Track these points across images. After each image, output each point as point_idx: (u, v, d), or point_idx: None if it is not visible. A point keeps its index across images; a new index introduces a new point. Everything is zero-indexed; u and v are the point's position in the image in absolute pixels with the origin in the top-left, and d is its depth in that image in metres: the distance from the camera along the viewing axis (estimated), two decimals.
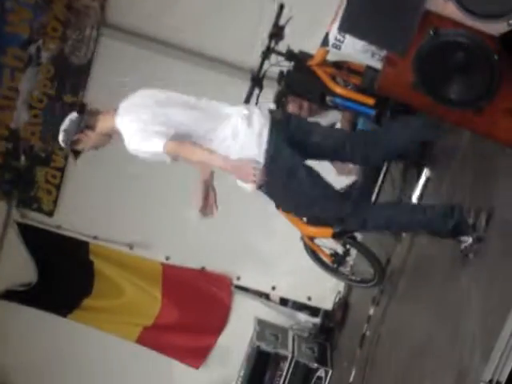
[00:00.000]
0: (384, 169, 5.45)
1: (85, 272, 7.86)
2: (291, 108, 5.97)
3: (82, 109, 4.33)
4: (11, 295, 7.85)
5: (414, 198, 5.40)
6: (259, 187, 4.29)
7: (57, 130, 4.34)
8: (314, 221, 5.30)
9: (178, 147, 4.14)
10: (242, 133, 4.25)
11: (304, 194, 4.36)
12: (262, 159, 4.22)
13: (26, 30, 7.06)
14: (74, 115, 4.30)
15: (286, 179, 4.28)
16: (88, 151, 4.55)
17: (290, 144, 4.30)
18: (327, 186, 4.44)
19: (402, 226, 4.78)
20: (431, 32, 3.42)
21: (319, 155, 4.58)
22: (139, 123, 4.18)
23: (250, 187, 4.29)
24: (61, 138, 4.35)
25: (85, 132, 4.32)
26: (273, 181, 4.26)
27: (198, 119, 4.27)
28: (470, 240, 4.18)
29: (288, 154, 4.27)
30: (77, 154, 4.57)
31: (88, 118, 4.32)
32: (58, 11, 7.00)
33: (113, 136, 4.41)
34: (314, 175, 4.38)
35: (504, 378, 3.39)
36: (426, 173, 5.39)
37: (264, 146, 4.22)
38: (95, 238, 7.69)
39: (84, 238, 7.70)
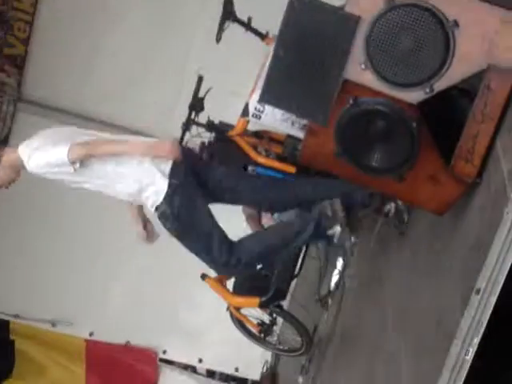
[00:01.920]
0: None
1: (5, 352, 7.64)
2: None
3: None
4: None
5: (339, 265, 5.41)
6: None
7: None
8: (241, 290, 5.27)
9: (88, 147, 4.16)
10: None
11: (196, 227, 4.38)
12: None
13: None
14: None
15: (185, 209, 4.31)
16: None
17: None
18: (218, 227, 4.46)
19: (274, 250, 4.71)
20: (351, 101, 3.47)
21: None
22: (39, 142, 4.22)
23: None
24: None
25: None
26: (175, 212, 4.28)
27: None
28: (337, 228, 4.25)
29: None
30: None
31: None
32: None
33: (19, 169, 4.37)
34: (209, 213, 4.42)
35: None
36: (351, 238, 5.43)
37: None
38: (16, 316, 7.51)
39: (4, 317, 7.51)
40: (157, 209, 4.30)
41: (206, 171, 4.51)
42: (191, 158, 4.52)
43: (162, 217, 4.33)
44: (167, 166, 4.25)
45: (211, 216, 4.43)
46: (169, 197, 4.25)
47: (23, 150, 4.26)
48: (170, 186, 4.24)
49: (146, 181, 4.25)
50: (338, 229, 4.28)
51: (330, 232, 4.31)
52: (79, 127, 6.79)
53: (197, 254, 4.53)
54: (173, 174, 4.25)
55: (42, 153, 4.17)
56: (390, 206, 4.37)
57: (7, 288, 7.41)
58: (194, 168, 4.41)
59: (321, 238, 4.47)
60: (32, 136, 4.36)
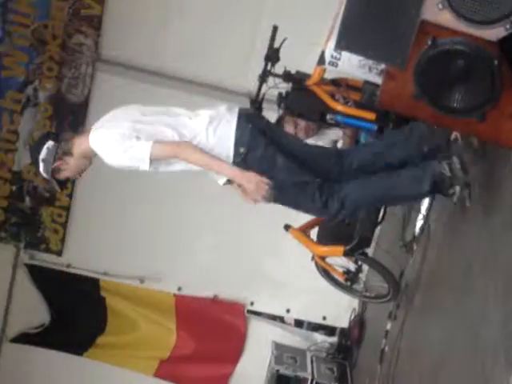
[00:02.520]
0: None
1: (97, 309, 7.83)
2: (287, 128, 5.98)
3: (56, 136, 4.33)
4: (25, 338, 7.82)
5: (423, 210, 5.37)
6: None
7: (36, 159, 4.32)
8: (325, 240, 5.29)
9: (172, 148, 4.18)
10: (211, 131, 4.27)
11: (284, 181, 4.34)
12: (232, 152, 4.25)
13: (22, 73, 7.09)
14: (50, 143, 4.27)
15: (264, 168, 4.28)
16: (72, 178, 4.58)
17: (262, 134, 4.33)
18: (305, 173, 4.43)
19: (377, 200, 4.72)
20: (429, 42, 3.42)
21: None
22: (114, 135, 4.20)
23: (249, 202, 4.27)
24: (41, 168, 4.33)
25: (63, 159, 4.31)
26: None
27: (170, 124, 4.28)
28: (457, 189, 4.18)
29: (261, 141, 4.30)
30: (61, 183, 4.56)
31: (64, 144, 4.30)
32: (53, 51, 7.03)
33: (92, 158, 4.40)
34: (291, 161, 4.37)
35: None
36: None
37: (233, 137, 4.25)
38: (105, 273, 7.66)
39: (94, 275, 7.68)
40: None
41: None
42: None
43: None
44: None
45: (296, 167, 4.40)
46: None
47: (93, 138, 4.27)
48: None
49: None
50: (458, 189, 4.21)
51: (450, 191, 4.23)
52: (157, 85, 6.92)
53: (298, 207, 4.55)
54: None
55: (122, 149, 4.16)
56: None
57: (96, 247, 7.58)
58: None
59: (434, 194, 4.40)
60: (100, 118, 4.41)
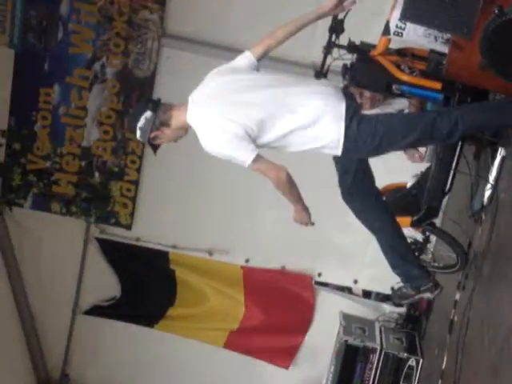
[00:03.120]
0: (457, 153, 5.37)
1: (167, 281, 7.95)
2: None
3: (155, 106, 4.32)
4: (98, 310, 8.00)
5: (491, 179, 5.33)
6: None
7: (134, 126, 4.34)
8: (392, 210, 5.28)
9: (270, 171, 4.27)
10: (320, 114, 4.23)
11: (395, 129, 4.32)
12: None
13: (90, 49, 7.20)
14: (148, 113, 4.28)
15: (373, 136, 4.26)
16: (167, 143, 4.60)
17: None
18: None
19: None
20: (496, 11, 3.38)
21: None
22: (217, 128, 4.17)
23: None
24: (138, 135, 4.35)
25: (160, 129, 4.34)
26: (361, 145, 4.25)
27: (274, 112, 4.23)
28: None
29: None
30: (155, 147, 4.65)
31: (162, 114, 4.31)
32: (119, 28, 7.11)
33: (189, 128, 4.41)
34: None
35: None
36: (501, 152, 5.32)
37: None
38: (174, 247, 7.77)
39: (163, 248, 7.79)
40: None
41: None
42: None
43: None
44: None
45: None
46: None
47: (197, 122, 4.26)
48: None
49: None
50: None
51: None
52: (222, 58, 6.93)
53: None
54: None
55: (224, 150, 4.18)
56: None
57: (165, 220, 7.69)
58: None
59: None
60: (198, 88, 4.38)
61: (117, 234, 7.81)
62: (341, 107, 4.19)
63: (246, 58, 4.50)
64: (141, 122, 4.30)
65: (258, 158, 4.13)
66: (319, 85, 4.49)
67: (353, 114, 4.20)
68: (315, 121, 4.18)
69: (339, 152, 4.24)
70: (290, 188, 4.41)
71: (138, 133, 4.34)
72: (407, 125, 4.30)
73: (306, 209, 4.68)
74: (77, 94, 7.34)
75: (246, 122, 4.12)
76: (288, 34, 4.60)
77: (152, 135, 4.34)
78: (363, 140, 4.19)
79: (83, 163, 7.55)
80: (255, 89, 4.28)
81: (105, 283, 8.02)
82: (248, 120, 4.13)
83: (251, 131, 4.12)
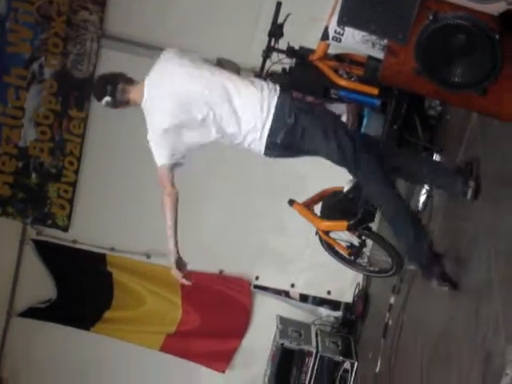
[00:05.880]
0: None
1: (104, 284, 7.88)
2: None
3: (113, 91, 4.57)
4: (33, 313, 7.88)
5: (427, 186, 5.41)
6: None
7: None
8: (328, 214, 5.32)
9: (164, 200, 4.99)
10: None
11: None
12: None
13: (28, 49, 7.11)
14: (107, 98, 4.58)
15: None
16: None
17: None
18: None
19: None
20: (430, 17, 3.43)
21: None
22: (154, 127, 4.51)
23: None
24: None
25: (120, 106, 4.67)
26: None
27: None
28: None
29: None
30: None
31: (120, 97, 4.59)
32: (58, 27, 7.04)
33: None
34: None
35: None
36: (436, 157, 5.42)
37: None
38: (112, 249, 7.72)
39: (101, 250, 7.73)
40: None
41: None
42: None
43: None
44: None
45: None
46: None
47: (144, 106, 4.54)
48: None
49: None
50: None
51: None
52: None
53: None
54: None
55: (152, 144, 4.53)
56: None
57: (103, 223, 7.62)
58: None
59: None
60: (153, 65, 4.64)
61: (54, 235, 7.71)
62: None
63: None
64: (103, 102, 4.62)
65: (160, 170, 4.66)
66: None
67: None
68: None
69: None
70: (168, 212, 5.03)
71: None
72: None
73: (175, 253, 5.01)
74: (14, 93, 7.23)
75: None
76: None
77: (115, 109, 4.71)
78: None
79: (20, 164, 7.44)
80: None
81: (41, 285, 7.91)
82: None
83: None
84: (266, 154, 4.53)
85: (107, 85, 4.59)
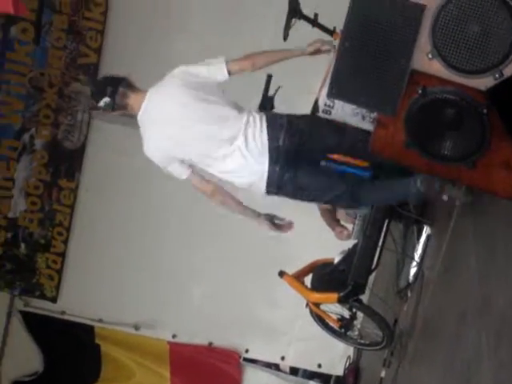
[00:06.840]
0: (384, 230, 5.44)
1: (92, 356, 7.80)
2: None
3: (113, 93, 4.55)
4: None
5: (417, 257, 5.40)
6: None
7: (97, 102, 4.64)
8: (319, 286, 5.29)
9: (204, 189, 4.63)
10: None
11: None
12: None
13: (19, 120, 7.16)
14: (106, 99, 4.56)
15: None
16: None
17: None
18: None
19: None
20: (419, 91, 3.46)
21: None
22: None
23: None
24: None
25: (117, 111, 4.65)
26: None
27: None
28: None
29: None
30: None
31: (119, 101, 4.57)
32: (50, 99, 7.10)
33: None
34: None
35: None
36: (426, 231, 5.40)
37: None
38: (100, 321, 7.65)
39: (89, 322, 7.66)
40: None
41: None
42: None
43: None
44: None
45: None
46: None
47: (142, 124, 4.63)
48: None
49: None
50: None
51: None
52: None
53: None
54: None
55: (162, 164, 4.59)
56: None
57: (91, 294, 7.57)
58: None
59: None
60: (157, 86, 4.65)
61: (42, 306, 7.66)
62: None
63: (221, 76, 4.75)
64: (101, 104, 4.59)
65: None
66: None
67: None
68: None
69: None
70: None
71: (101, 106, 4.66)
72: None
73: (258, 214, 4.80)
74: (4, 164, 7.26)
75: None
76: (268, 64, 4.81)
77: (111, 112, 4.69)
78: None
79: (9, 234, 7.43)
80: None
81: (27, 357, 7.82)
82: None
83: None
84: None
85: (108, 86, 4.57)
